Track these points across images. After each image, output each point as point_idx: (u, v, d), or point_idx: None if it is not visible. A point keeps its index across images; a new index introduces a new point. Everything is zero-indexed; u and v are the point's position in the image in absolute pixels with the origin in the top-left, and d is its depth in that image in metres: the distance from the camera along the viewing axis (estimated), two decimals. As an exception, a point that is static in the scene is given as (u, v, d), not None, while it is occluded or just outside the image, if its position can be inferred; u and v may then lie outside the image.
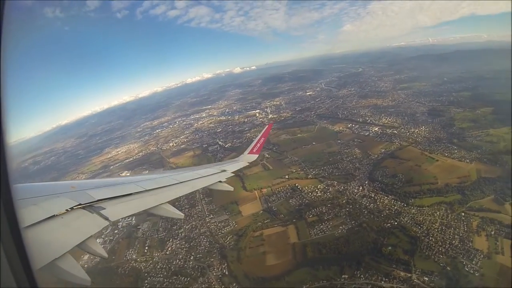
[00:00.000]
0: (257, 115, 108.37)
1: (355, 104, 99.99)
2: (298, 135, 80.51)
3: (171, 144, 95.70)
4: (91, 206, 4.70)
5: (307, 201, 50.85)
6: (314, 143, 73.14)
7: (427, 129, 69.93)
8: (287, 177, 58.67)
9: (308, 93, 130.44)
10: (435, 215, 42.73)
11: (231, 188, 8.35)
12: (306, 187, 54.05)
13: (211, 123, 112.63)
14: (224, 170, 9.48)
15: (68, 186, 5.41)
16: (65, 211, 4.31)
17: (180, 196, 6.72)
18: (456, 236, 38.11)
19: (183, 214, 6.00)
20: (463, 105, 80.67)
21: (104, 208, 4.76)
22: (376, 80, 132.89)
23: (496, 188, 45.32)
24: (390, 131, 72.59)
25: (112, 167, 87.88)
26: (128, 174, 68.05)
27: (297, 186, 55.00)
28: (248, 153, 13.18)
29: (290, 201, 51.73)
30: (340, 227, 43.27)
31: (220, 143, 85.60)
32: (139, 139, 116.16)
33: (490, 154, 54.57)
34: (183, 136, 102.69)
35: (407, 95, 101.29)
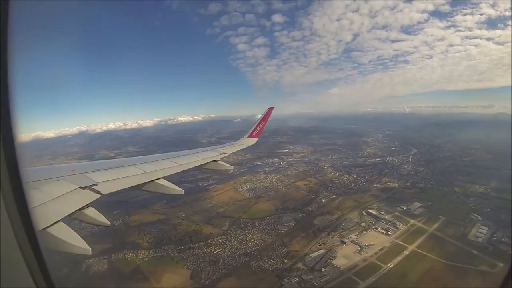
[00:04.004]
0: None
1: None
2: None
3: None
4: (89, 188, 4.77)
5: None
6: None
7: None
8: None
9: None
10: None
11: (230, 167, 8.62)
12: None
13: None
14: (224, 153, 9.84)
15: (68, 169, 5.46)
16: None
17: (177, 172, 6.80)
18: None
19: (182, 190, 6.03)
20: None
21: (97, 184, 4.95)
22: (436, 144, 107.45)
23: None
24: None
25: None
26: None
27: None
28: (248, 136, 13.02)
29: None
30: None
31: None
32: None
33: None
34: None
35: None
